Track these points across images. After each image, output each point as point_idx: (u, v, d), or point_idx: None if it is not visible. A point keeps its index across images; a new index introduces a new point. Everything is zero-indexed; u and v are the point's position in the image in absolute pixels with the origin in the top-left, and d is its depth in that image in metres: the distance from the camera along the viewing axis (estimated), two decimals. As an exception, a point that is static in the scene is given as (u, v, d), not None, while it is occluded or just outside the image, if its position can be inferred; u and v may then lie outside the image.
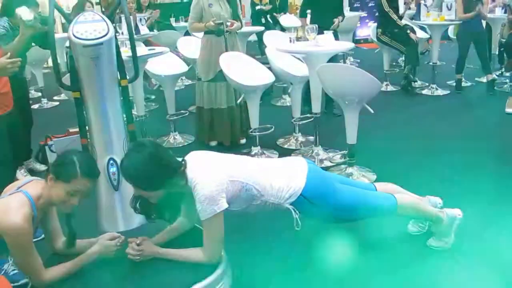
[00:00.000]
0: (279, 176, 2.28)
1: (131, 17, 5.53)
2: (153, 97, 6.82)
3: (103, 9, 8.45)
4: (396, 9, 6.51)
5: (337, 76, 3.52)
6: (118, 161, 2.47)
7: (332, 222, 2.49)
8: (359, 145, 3.80)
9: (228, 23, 4.35)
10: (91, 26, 2.38)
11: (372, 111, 3.55)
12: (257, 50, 9.28)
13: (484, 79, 6.64)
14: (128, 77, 2.59)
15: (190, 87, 7.59)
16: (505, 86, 6.46)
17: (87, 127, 2.57)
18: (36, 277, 2.01)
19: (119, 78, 2.53)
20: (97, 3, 8.60)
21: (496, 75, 6.75)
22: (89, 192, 2.09)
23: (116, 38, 2.51)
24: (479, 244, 2.73)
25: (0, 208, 1.99)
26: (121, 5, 2.58)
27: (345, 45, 4.33)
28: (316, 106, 4.22)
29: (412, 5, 8.27)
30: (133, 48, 2.55)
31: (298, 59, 4.48)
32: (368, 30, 11.04)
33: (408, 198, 2.73)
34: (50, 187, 2.03)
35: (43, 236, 2.37)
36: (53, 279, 2.02)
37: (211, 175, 2.10)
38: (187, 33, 8.28)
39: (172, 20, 9.11)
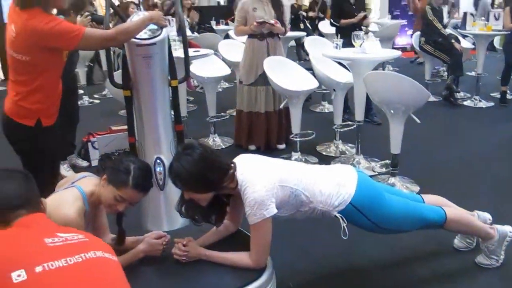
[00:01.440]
0: (329, 183, 2.24)
1: (175, 18, 5.62)
2: (191, 98, 6.86)
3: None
4: (440, 18, 6.39)
5: (384, 84, 3.46)
6: (165, 161, 2.49)
7: (379, 232, 2.43)
8: (401, 154, 3.73)
9: (272, 21, 4.33)
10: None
11: (418, 121, 3.47)
12: (295, 55, 9.27)
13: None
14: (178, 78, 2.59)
15: (228, 90, 7.64)
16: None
17: (135, 126, 2.58)
18: None
19: (169, 78, 2.53)
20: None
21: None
22: (136, 202, 2.09)
23: (168, 38, 2.52)
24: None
25: (55, 201, 2.02)
26: (175, 5, 2.59)
27: (392, 53, 4.27)
28: (359, 113, 4.16)
29: (457, 15, 8.12)
30: (185, 49, 2.55)
31: (343, 65, 4.43)
32: (408, 38, 10.91)
33: (458, 213, 2.64)
34: (101, 186, 2.04)
35: None
36: None
37: (262, 179, 2.07)
38: (227, 36, 8.35)
39: (213, 23, 9.17)
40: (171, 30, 4.58)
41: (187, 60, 2.58)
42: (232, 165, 2.13)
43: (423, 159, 4.32)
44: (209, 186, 2.03)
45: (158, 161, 2.49)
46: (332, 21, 5.58)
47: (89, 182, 2.09)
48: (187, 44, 2.59)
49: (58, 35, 2.24)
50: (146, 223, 2.62)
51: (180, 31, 6.08)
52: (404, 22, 10.30)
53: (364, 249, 2.83)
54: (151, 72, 2.41)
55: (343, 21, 5.34)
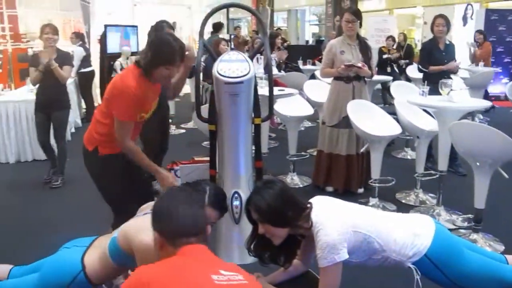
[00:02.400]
0: (404, 232, 2.19)
1: (263, 56, 5.80)
2: (273, 135, 6.97)
3: (232, 47, 8.94)
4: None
5: (471, 136, 3.34)
6: (243, 196, 2.55)
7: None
8: (486, 210, 3.55)
9: (359, 64, 4.35)
10: (235, 65, 2.52)
11: (506, 176, 3.31)
12: (380, 99, 9.17)
13: None
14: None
15: (310, 129, 7.68)
16: None
17: (217, 159, 2.68)
18: None
19: (253, 115, 2.62)
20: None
21: None
22: (213, 222, 2.18)
23: (255, 77, 2.62)
24: None
25: (135, 226, 2.15)
26: (264, 45, 2.70)
27: (482, 102, 4.12)
28: (443, 163, 4.03)
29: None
30: (270, 88, 2.64)
31: (429, 112, 4.33)
32: (502, 87, 10.43)
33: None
34: None
35: None
36: None
37: (336, 223, 2.07)
38: (313, 76, 8.46)
39: (300, 62, 9.33)
40: (258, 68, 4.74)
41: (271, 99, 2.66)
42: (309, 205, 2.15)
43: (510, 217, 4.07)
44: (285, 221, 2.06)
45: (236, 195, 2.56)
46: (420, 66, 5.49)
47: None
48: (272, 83, 2.68)
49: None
50: (219, 254, 2.68)
51: (267, 69, 6.31)
52: (498, 70, 9.89)
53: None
54: (236, 109, 2.51)
55: (431, 67, 5.24)
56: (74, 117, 7.71)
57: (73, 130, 7.47)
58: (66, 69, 4.83)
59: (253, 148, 2.73)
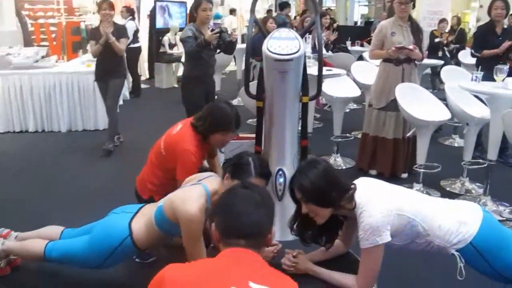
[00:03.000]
0: (450, 218, 2.15)
1: (311, 35, 5.75)
2: (318, 116, 6.94)
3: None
4: None
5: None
6: (287, 173, 2.57)
7: (499, 281, 2.27)
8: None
9: (410, 46, 4.25)
10: (284, 43, 2.51)
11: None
12: (429, 84, 8.94)
13: None
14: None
15: (355, 111, 7.59)
16: None
17: (263, 136, 2.70)
18: None
19: (301, 94, 2.62)
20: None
21: None
22: None
23: (304, 56, 2.61)
24: None
25: (181, 196, 2.21)
26: (315, 24, 2.68)
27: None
28: (493, 152, 3.91)
29: None
30: (320, 67, 2.62)
31: (480, 100, 4.20)
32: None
33: None
34: (226, 184, 2.18)
35: (154, 258, 2.81)
36: None
37: (379, 204, 2.06)
38: (360, 58, 8.32)
39: (348, 43, 9.19)
40: (306, 47, 4.70)
41: (320, 78, 2.65)
42: (352, 186, 2.14)
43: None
44: (329, 202, 2.06)
45: (280, 172, 2.58)
46: (473, 51, 5.30)
47: (214, 181, 2.25)
48: (322, 62, 2.66)
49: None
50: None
51: (316, 49, 6.25)
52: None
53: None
54: (284, 86, 2.51)
55: (484, 52, 5.05)
56: (124, 90, 7.89)
57: (121, 102, 7.65)
58: (123, 42, 5.19)
59: (299, 126, 2.73)
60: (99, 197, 4.00)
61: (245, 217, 1.51)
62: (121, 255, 2.41)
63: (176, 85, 10.03)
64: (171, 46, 9.79)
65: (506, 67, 3.85)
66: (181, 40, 4.48)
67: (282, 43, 2.51)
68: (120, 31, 5.22)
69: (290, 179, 2.20)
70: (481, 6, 13.04)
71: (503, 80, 3.77)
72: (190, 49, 4.28)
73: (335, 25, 7.96)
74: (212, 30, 4.29)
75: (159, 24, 10.15)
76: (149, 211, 2.38)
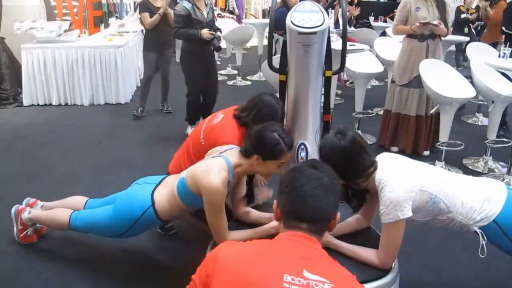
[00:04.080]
0: (473, 195, 2.13)
1: (334, 11, 5.67)
2: (339, 92, 6.88)
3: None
4: None
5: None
6: (309, 148, 2.56)
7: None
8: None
9: (435, 22, 4.16)
10: (308, 16, 2.47)
11: None
12: (453, 61, 8.77)
13: None
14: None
15: (377, 88, 7.51)
16: None
17: (285, 110, 2.69)
18: (220, 236, 2.19)
19: (324, 68, 2.59)
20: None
21: None
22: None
23: (329, 30, 2.57)
24: None
25: (203, 168, 2.22)
26: (339, -1, 2.64)
27: None
28: (518, 131, 3.85)
29: None
30: (344, 42, 2.59)
31: (506, 76, 4.11)
32: None
33: None
34: (257, 165, 2.22)
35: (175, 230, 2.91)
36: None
37: (401, 180, 2.05)
38: (383, 34, 8.18)
39: (371, 18, 9.04)
40: (329, 22, 4.64)
41: (344, 52, 2.61)
42: (375, 161, 2.14)
43: None
44: (347, 176, 2.06)
45: (302, 146, 2.56)
46: (504, 28, 5.16)
47: (235, 154, 2.26)
48: (346, 37, 2.62)
49: None
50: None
51: (340, 23, 6.16)
52: None
53: (499, 277, 2.64)
54: (308, 60, 2.48)
55: None
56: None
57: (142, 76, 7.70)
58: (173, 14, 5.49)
59: (322, 101, 2.71)
60: (122, 168, 4.07)
61: (312, 201, 1.44)
62: (144, 225, 2.44)
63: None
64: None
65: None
66: (174, 14, 4.68)
67: (306, 16, 2.47)
68: (172, 3, 5.61)
69: (319, 148, 2.22)
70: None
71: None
72: (181, 33, 4.57)
73: (356, 0, 7.80)
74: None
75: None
76: (171, 182, 2.40)
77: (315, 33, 2.43)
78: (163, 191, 2.38)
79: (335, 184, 1.53)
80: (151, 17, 5.36)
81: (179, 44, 9.35)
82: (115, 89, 6.35)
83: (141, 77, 7.62)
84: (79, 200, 2.80)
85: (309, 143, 2.54)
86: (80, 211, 2.66)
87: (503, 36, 6.13)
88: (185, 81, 4.89)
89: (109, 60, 6.22)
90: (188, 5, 4.54)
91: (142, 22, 5.70)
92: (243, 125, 2.73)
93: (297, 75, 2.54)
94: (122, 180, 2.74)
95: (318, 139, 2.56)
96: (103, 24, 7.85)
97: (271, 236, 2.17)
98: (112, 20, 8.00)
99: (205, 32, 4.53)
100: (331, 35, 3.59)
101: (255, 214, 2.45)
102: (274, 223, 2.24)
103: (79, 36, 6.77)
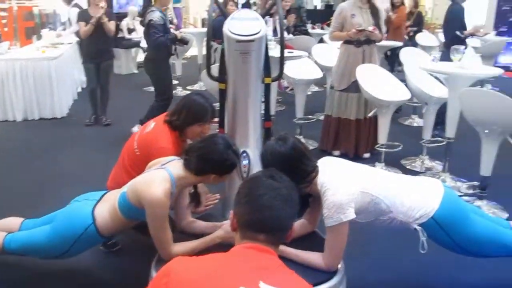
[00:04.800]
0: (412, 194, 2.20)
1: (272, 19, 5.72)
2: (280, 98, 6.95)
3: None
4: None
5: (481, 103, 3.32)
6: (251, 155, 2.56)
7: (459, 253, 2.34)
8: (491, 177, 3.55)
9: (370, 28, 4.30)
10: (246, 23, 2.48)
11: (514, 143, 3.31)
12: (387, 66, 9.07)
13: None
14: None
15: (317, 94, 7.65)
16: None
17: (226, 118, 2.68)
18: (164, 249, 2.14)
19: (263, 75, 2.60)
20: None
21: None
22: None
23: (266, 37, 2.59)
24: None
25: (145, 180, 2.17)
26: (276, 5, 2.66)
27: (493, 70, 4.07)
28: (451, 130, 4.01)
29: None
30: (282, 48, 2.61)
31: (438, 79, 4.30)
32: (512, 58, 10.31)
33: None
34: (213, 181, 2.24)
35: (118, 246, 2.84)
36: (178, 253, 2.12)
37: (343, 183, 2.08)
38: (321, 41, 8.35)
39: (309, 26, 9.21)
40: (267, 30, 4.68)
41: (282, 59, 2.63)
42: (316, 166, 2.16)
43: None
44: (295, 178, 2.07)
45: (244, 154, 2.56)
46: (458, 32, 5.44)
47: (178, 165, 2.22)
48: (283, 43, 2.65)
49: None
50: (226, 212, 2.70)
51: (277, 31, 6.23)
52: (510, 39, 9.74)
53: (441, 270, 2.74)
54: (247, 67, 2.48)
55: (465, 32, 5.20)
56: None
57: (79, 89, 7.47)
58: (112, 23, 5.53)
59: (262, 108, 2.72)
60: (62, 185, 3.91)
61: (270, 212, 1.43)
62: (85, 244, 2.35)
63: (136, 71, 9.84)
64: (130, 31, 9.58)
65: (463, 48, 3.93)
66: (152, 24, 4.64)
67: (243, 23, 2.48)
68: (109, 13, 5.57)
69: (260, 155, 2.22)
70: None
71: (459, 60, 3.85)
72: (162, 40, 4.69)
73: (288, 6, 7.89)
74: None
75: (117, 8, 9.91)
76: (112, 197, 2.33)
77: (252, 40, 2.44)
78: (104, 207, 2.31)
79: (293, 194, 1.53)
80: (86, 26, 5.33)
81: (119, 54, 9.22)
82: (50, 103, 6.09)
83: (78, 89, 7.43)
84: (13, 222, 2.66)
85: (251, 150, 2.54)
86: (15, 233, 2.52)
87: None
88: (156, 87, 5.08)
89: (42, 73, 5.97)
90: (161, 14, 4.75)
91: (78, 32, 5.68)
92: (175, 128, 2.73)
93: (236, 83, 2.54)
94: (62, 197, 2.62)
95: (259, 146, 2.57)
96: (35, 36, 7.55)
97: (219, 245, 2.17)
98: (45, 32, 7.72)
99: (178, 33, 5.08)
100: (269, 42, 3.64)
101: (199, 224, 2.42)
102: (218, 232, 2.22)
103: (9, 48, 6.48)
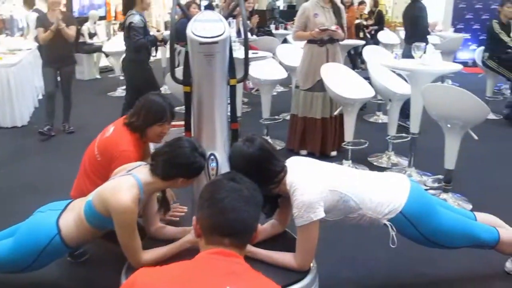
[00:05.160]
0: (380, 190, 2.23)
1: (235, 20, 5.73)
2: (246, 100, 6.95)
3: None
4: (508, 33, 6.17)
5: (443, 98, 3.40)
6: (219, 157, 2.54)
7: (427, 245, 2.38)
8: (455, 170, 3.64)
9: (333, 27, 4.34)
10: (209, 25, 2.45)
11: (476, 137, 3.39)
12: (350, 64, 9.21)
13: None
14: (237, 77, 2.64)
15: (282, 94, 7.68)
16: None
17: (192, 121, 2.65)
18: (134, 256, 2.10)
19: (228, 77, 2.58)
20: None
21: None
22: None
23: (230, 39, 2.57)
24: None
25: (111, 187, 2.12)
26: (240, 7, 2.65)
27: (453, 66, 4.17)
28: (415, 126, 4.09)
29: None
30: (246, 49, 2.60)
31: (400, 76, 4.37)
32: (470, 53, 10.60)
33: (512, 234, 2.56)
34: (181, 185, 2.23)
35: (86, 256, 2.78)
36: (148, 261, 2.09)
37: (312, 182, 2.09)
38: (285, 41, 8.40)
39: (272, 26, 9.24)
40: (231, 31, 4.67)
41: (247, 60, 2.62)
42: (285, 166, 2.16)
43: (478, 178, 4.20)
44: (263, 179, 2.06)
45: (212, 157, 2.53)
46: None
47: (145, 171, 2.17)
48: (248, 43, 2.64)
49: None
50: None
51: (241, 32, 6.22)
52: (467, 36, 10.03)
53: (411, 264, 2.78)
54: (211, 70, 2.45)
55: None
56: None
57: (40, 96, 7.28)
58: (72, 29, 5.40)
59: (229, 110, 2.70)
60: (26, 195, 3.79)
61: (233, 215, 1.41)
62: (51, 255, 2.28)
63: (99, 76, 9.66)
64: (91, 35, 9.40)
65: (423, 45, 4.01)
66: (132, 27, 4.67)
67: (206, 25, 2.45)
68: (68, 18, 5.44)
69: (228, 157, 2.22)
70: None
71: (420, 56, 3.93)
72: (142, 42, 4.72)
73: (251, 7, 7.92)
74: None
75: (77, 12, 9.71)
76: (77, 206, 2.27)
77: (216, 42, 2.41)
78: (70, 217, 2.24)
79: (255, 195, 1.52)
80: (45, 32, 5.21)
81: (81, 60, 9.03)
82: (10, 111, 5.89)
83: (39, 97, 7.23)
84: None
85: (219, 153, 2.51)
86: None
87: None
88: (129, 88, 5.08)
89: (1, 81, 5.78)
90: (141, 17, 4.78)
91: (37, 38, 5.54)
92: (136, 130, 2.69)
93: (201, 86, 2.51)
94: (25, 209, 2.53)
95: (227, 148, 2.55)
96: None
97: (188, 251, 2.14)
98: (1, 38, 7.49)
99: (159, 35, 5.15)
100: (233, 43, 3.62)
101: (169, 230, 2.39)
102: (188, 237, 2.20)
103: (-37, 55, 6.26)
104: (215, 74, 2.48)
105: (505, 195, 3.85)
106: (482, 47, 6.69)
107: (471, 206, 3.57)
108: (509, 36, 6.15)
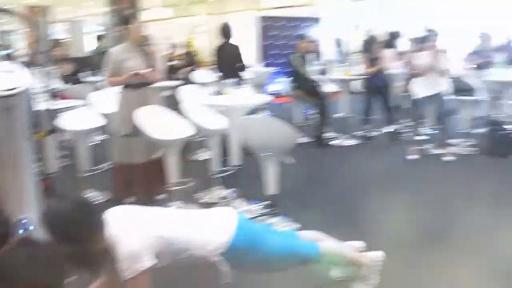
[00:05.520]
0: (206, 228, 2.23)
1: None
2: (64, 153, 6.49)
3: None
4: (304, 64, 6.92)
5: (253, 128, 3.59)
6: (30, 220, 2.31)
7: (261, 273, 2.45)
8: (280, 195, 3.84)
9: (144, 71, 4.31)
10: (5, 77, 2.27)
11: (290, 161, 3.63)
12: (169, 105, 9.27)
13: (388, 129, 7.10)
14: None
15: (102, 142, 7.34)
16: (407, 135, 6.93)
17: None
18: None
19: (33, 131, 2.39)
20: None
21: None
22: None
23: (28, 90, 2.39)
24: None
25: None
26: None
27: (263, 97, 4.46)
28: (236, 158, 4.24)
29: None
30: (51, 100, 2.44)
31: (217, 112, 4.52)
32: (278, 85, 11.51)
33: (330, 245, 2.75)
34: None
35: None
36: None
37: (132, 231, 2.01)
38: (98, 87, 8.10)
39: (86, 74, 8.90)
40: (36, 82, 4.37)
41: (53, 112, 2.47)
42: (103, 219, 2.04)
43: (301, 197, 4.50)
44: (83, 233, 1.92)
45: (23, 222, 2.29)
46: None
47: None
48: (52, 94, 2.49)
49: None
50: None
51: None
52: (276, 69, 10.87)
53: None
54: (11, 124, 2.26)
55: None
56: None
57: None
58: None
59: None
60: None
61: (35, 281, 1.29)
62: None
63: None
64: None
65: (236, 80, 4.23)
66: None
67: (2, 77, 2.26)
68: None
69: (40, 218, 2.00)
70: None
71: (233, 92, 4.12)
72: None
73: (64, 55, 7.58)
74: None
75: None
76: None
77: (13, 95, 2.23)
78: None
79: (52, 254, 1.42)
80: None
81: None
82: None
83: None
84: None
85: (29, 216, 2.29)
86: None
87: None
88: None
89: None
90: None
91: None
92: None
93: (2, 143, 2.28)
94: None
95: (39, 209, 2.33)
96: None
97: None
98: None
99: None
100: (39, 95, 3.39)
101: None
102: None
103: None
104: (15, 129, 2.28)
105: (327, 209, 4.22)
106: (289, 79, 7.36)
107: (299, 225, 3.77)
108: (305, 67, 6.91)
